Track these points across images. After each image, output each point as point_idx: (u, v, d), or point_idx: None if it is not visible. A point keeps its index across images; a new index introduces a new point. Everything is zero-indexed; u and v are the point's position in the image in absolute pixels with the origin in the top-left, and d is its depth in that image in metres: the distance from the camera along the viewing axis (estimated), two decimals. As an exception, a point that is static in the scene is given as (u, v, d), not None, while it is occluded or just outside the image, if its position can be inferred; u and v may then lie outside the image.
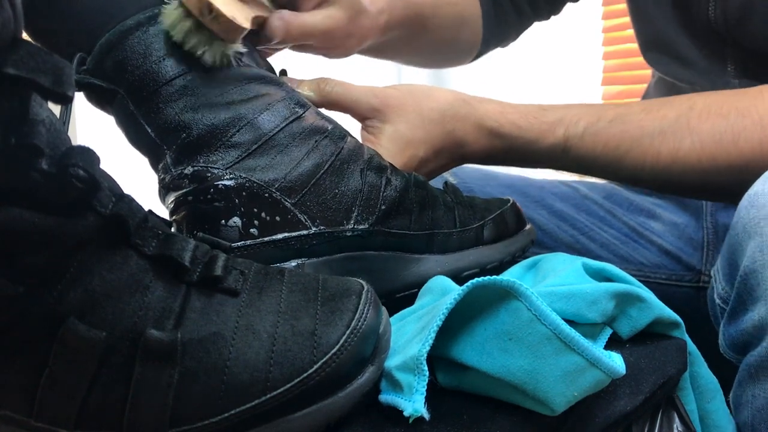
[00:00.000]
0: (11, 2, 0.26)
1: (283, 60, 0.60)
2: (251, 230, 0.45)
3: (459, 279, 0.52)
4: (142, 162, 0.49)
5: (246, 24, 0.46)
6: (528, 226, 0.60)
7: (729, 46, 0.71)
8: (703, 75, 0.74)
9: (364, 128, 0.60)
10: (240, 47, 0.47)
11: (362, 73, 1.14)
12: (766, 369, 0.46)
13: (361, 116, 0.60)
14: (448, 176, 0.76)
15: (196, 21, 0.44)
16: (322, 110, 0.54)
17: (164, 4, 0.45)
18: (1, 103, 0.27)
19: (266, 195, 0.46)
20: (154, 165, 0.48)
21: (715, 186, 0.58)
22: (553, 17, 0.93)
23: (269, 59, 0.54)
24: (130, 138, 0.48)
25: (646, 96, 0.92)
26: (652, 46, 0.81)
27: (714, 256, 0.76)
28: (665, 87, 0.84)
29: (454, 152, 0.61)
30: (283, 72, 0.56)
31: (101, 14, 0.45)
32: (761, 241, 0.46)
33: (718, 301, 0.53)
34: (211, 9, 0.44)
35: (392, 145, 0.58)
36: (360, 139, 0.58)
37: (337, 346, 0.34)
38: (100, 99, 0.47)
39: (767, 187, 0.47)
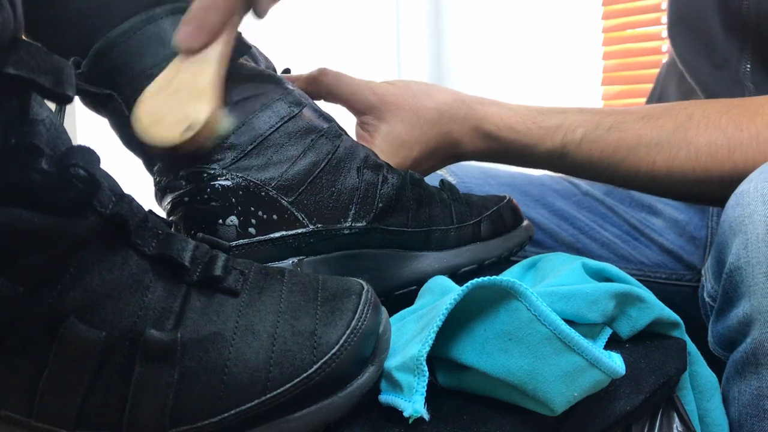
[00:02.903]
0: (11, 2, 0.26)
1: (283, 58, 0.60)
2: (249, 229, 0.45)
3: (457, 275, 0.53)
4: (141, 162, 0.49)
5: (170, 140, 0.42)
6: (525, 222, 0.60)
7: (750, 42, 0.70)
8: (719, 68, 0.74)
9: (359, 125, 0.60)
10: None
11: (363, 69, 1.14)
12: (751, 365, 0.46)
13: (357, 111, 0.60)
14: (446, 175, 0.76)
15: None
16: (319, 104, 0.54)
17: (159, 6, 0.45)
18: (1, 103, 0.27)
19: (263, 194, 0.46)
20: (149, 167, 0.48)
21: (707, 195, 0.58)
22: (553, 17, 0.93)
23: (269, 55, 0.54)
24: (126, 141, 0.48)
25: (658, 78, 0.91)
26: (680, 20, 0.79)
27: None
28: (677, 76, 0.83)
29: (448, 152, 0.61)
30: (286, 71, 0.56)
31: (96, 18, 0.45)
32: (745, 239, 0.46)
33: (707, 299, 0.54)
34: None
35: (386, 145, 0.58)
36: (354, 136, 0.58)
37: (337, 346, 0.34)
38: (94, 103, 0.47)
39: (752, 186, 0.48)
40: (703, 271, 0.56)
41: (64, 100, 0.28)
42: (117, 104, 0.45)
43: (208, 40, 0.44)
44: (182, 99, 0.42)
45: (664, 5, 0.85)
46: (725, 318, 0.49)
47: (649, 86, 0.93)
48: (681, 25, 0.79)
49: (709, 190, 0.56)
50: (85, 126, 1.39)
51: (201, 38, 0.44)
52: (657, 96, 0.90)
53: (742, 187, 0.49)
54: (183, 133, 0.41)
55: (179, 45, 0.44)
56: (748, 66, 0.71)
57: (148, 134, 0.41)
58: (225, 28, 0.45)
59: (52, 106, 0.32)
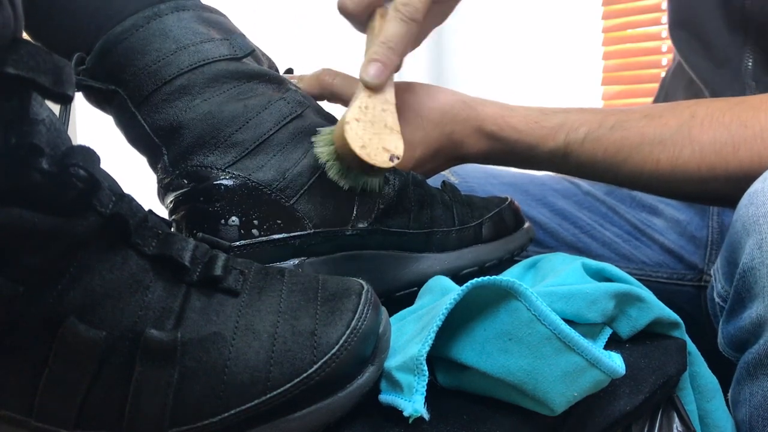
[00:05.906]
0: (11, 2, 0.26)
1: (286, 59, 0.60)
2: (251, 230, 0.45)
3: (458, 277, 0.52)
4: (142, 162, 0.49)
5: (384, 164, 0.47)
6: (526, 224, 0.60)
7: (751, 40, 0.70)
8: (721, 66, 0.73)
9: None
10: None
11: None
12: (763, 366, 0.46)
13: None
14: (449, 175, 0.76)
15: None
16: (322, 104, 0.54)
17: (162, 2, 0.45)
18: (1, 103, 0.27)
19: (265, 194, 0.46)
20: (153, 165, 0.48)
21: (713, 194, 0.57)
22: (553, 17, 0.93)
23: (271, 55, 0.54)
24: (129, 138, 0.48)
25: (663, 82, 0.91)
26: (680, 23, 0.80)
27: (717, 256, 0.76)
28: (684, 78, 0.83)
29: (451, 153, 0.61)
30: (289, 71, 0.56)
31: (101, 14, 0.45)
32: (760, 239, 0.46)
33: (717, 299, 0.53)
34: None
35: None
36: None
37: (337, 346, 0.34)
38: (99, 99, 0.47)
39: (766, 185, 0.47)
40: (712, 272, 0.56)
41: (64, 100, 0.28)
42: (122, 100, 0.46)
43: (390, 77, 0.51)
44: (380, 131, 0.48)
45: (664, 5, 0.85)
46: (737, 319, 0.49)
47: (650, 86, 0.93)
48: (681, 27, 0.79)
49: (714, 189, 0.56)
50: (85, 126, 1.39)
51: (385, 75, 0.51)
52: (662, 100, 0.89)
53: (756, 186, 0.48)
54: (389, 161, 0.47)
55: (369, 82, 0.50)
56: (750, 63, 0.71)
57: (360, 154, 0.46)
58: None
59: (53, 107, 0.32)
